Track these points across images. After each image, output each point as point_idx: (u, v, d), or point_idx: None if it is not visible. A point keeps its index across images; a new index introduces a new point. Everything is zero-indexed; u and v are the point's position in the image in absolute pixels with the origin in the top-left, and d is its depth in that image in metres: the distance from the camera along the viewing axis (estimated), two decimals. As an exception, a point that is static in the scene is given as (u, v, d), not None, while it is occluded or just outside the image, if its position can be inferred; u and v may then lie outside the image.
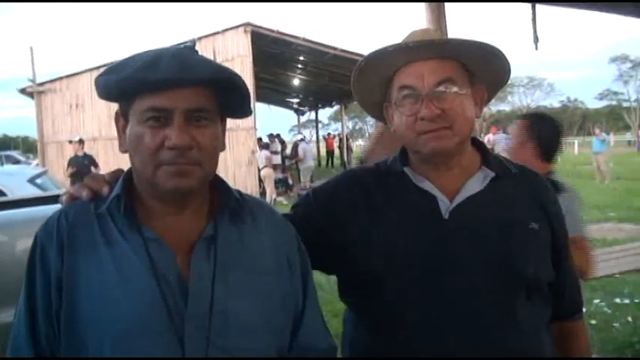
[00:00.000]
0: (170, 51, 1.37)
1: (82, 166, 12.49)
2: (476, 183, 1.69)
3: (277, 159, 22.11)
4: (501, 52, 1.65)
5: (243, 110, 1.53)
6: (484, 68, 1.68)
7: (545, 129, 3.50)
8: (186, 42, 1.43)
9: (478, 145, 1.79)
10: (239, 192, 1.55)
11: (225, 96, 1.43)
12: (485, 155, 1.76)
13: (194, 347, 1.33)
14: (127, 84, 1.33)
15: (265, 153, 19.52)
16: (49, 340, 1.35)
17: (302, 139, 23.69)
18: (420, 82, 1.60)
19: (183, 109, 1.34)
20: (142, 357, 1.30)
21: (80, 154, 13.06)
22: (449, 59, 1.62)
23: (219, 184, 1.53)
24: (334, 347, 1.65)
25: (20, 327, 1.37)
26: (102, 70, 1.42)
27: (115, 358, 1.30)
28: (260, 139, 22.49)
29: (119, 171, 1.54)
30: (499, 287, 1.60)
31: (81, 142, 13.22)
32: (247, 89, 1.46)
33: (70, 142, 14.07)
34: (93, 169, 12.60)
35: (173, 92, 1.33)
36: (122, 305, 1.32)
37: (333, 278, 1.83)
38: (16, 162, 32.55)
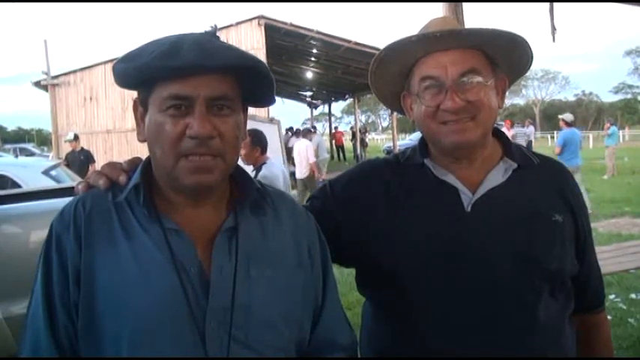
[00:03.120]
0: (191, 37, 1.32)
1: (77, 162, 12.49)
2: (498, 174, 1.66)
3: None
4: (526, 41, 1.61)
5: (266, 98, 1.49)
6: (507, 58, 1.64)
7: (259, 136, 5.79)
8: (207, 29, 1.38)
9: (499, 135, 1.75)
10: (260, 183, 1.52)
11: (249, 83, 1.39)
12: (507, 146, 1.72)
13: (215, 341, 1.30)
14: (146, 71, 1.29)
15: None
16: (67, 333, 1.31)
17: (314, 132, 23.58)
18: (443, 72, 1.56)
19: (205, 97, 1.29)
20: (167, 357, 1.28)
21: (77, 149, 13.04)
22: (472, 49, 1.58)
23: (239, 175, 1.49)
24: (354, 341, 1.62)
25: (38, 320, 1.33)
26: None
27: (140, 358, 1.27)
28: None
29: (137, 159, 1.50)
30: (522, 281, 1.57)
31: (76, 138, 13.17)
32: (271, 77, 1.41)
33: (65, 141, 14.08)
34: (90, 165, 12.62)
35: (195, 79, 1.28)
36: (142, 298, 1.29)
37: (347, 271, 1.80)
38: (31, 154, 32.72)
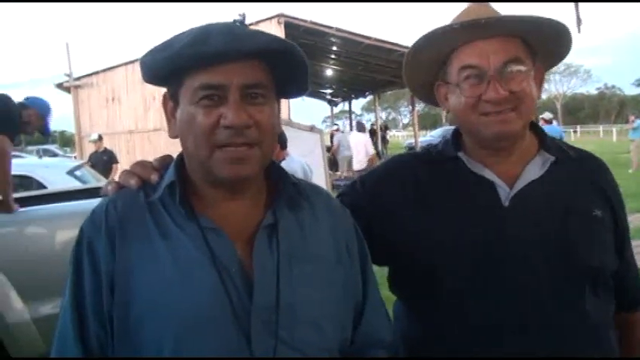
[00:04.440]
0: (219, 25, 1.28)
1: (100, 162, 12.60)
2: (536, 168, 1.61)
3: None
4: (569, 30, 1.55)
5: (300, 86, 1.43)
6: (547, 46, 1.59)
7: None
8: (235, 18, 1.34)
9: (535, 128, 1.70)
10: (295, 177, 1.46)
11: (282, 70, 1.33)
12: (543, 139, 1.67)
13: (261, 342, 1.25)
14: (176, 60, 1.24)
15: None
16: (99, 340, 1.26)
17: (337, 129, 23.82)
18: (485, 61, 1.50)
19: (238, 85, 1.24)
20: (211, 357, 1.23)
21: (100, 150, 13.17)
22: (513, 37, 1.53)
23: (274, 170, 1.44)
24: (396, 338, 1.58)
25: (67, 329, 1.28)
26: (137, 63, 1.36)
27: (184, 358, 1.23)
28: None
29: (168, 157, 1.45)
30: (564, 279, 1.52)
31: (100, 138, 13.32)
32: (306, 61, 1.36)
33: (89, 141, 14.25)
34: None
35: (227, 67, 1.24)
36: (182, 301, 1.24)
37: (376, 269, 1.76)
38: (54, 155, 33.00)
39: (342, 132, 23.97)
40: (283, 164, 5.69)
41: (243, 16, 1.33)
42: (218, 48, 1.22)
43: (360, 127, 18.44)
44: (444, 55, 1.61)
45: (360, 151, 15.67)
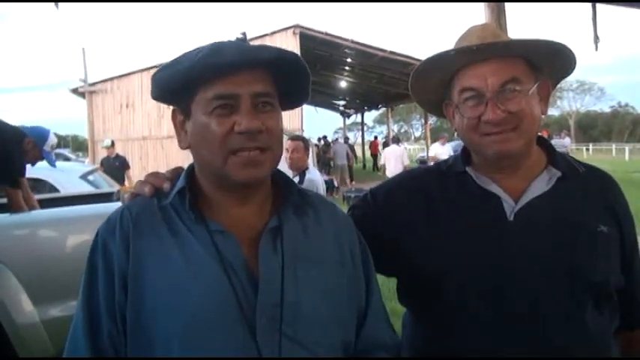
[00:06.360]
0: (228, 42, 1.38)
1: (112, 167, 12.65)
2: (542, 183, 1.63)
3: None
4: (567, 47, 1.57)
5: (301, 95, 1.53)
6: (551, 63, 1.61)
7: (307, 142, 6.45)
8: (238, 36, 1.44)
9: (543, 143, 1.72)
10: (299, 186, 1.54)
11: (286, 80, 1.43)
12: (551, 154, 1.69)
13: (267, 339, 1.30)
14: (196, 70, 1.31)
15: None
16: (112, 340, 1.32)
17: (336, 140, 24.78)
18: (483, 83, 1.54)
19: (250, 94, 1.33)
20: (220, 357, 1.28)
21: (112, 155, 13.24)
22: (512, 57, 1.55)
23: (280, 178, 1.53)
24: (399, 344, 1.62)
25: (78, 325, 1.34)
26: (152, 70, 1.41)
27: (194, 358, 1.29)
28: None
29: (179, 168, 1.54)
30: (566, 294, 1.54)
31: (112, 144, 13.39)
32: (309, 71, 1.46)
33: (102, 147, 14.35)
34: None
35: (238, 77, 1.33)
36: (191, 298, 1.30)
37: (382, 281, 1.78)
38: (67, 159, 33.21)
39: (338, 141, 24.62)
40: (309, 174, 5.97)
41: (244, 35, 1.42)
42: (234, 58, 1.31)
43: (395, 140, 19.75)
44: (448, 77, 1.64)
45: (395, 161, 16.76)
